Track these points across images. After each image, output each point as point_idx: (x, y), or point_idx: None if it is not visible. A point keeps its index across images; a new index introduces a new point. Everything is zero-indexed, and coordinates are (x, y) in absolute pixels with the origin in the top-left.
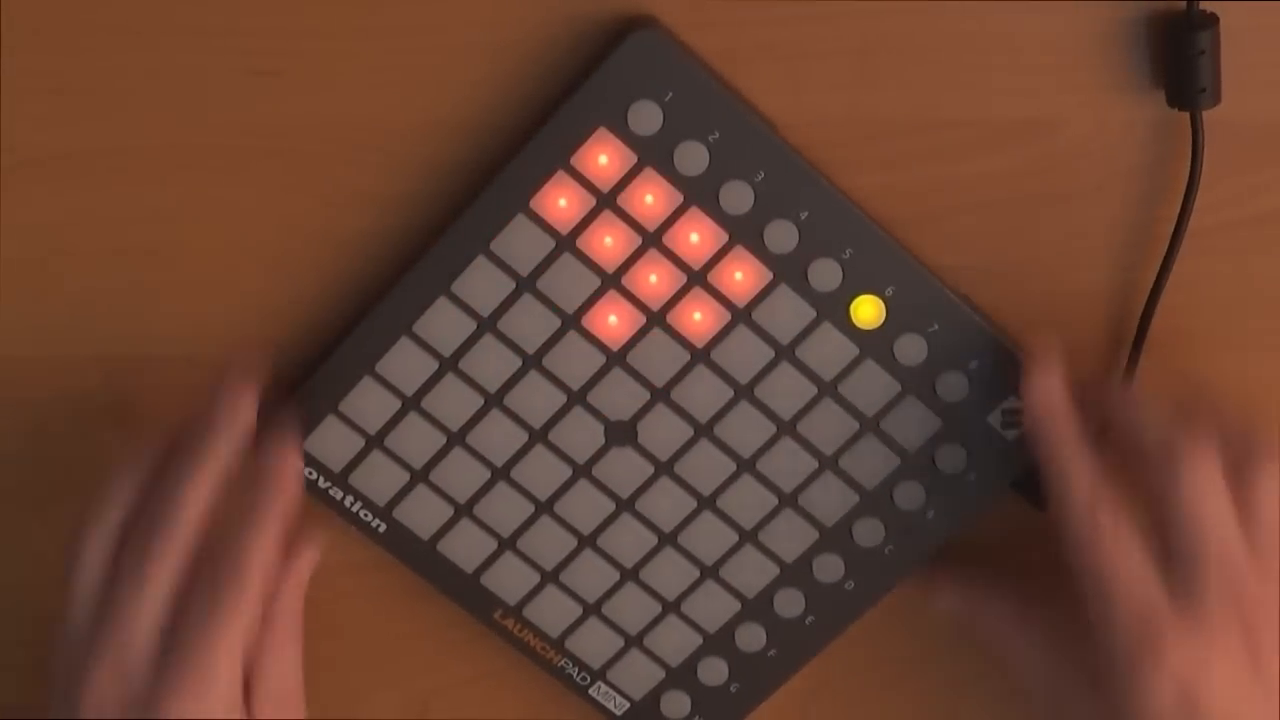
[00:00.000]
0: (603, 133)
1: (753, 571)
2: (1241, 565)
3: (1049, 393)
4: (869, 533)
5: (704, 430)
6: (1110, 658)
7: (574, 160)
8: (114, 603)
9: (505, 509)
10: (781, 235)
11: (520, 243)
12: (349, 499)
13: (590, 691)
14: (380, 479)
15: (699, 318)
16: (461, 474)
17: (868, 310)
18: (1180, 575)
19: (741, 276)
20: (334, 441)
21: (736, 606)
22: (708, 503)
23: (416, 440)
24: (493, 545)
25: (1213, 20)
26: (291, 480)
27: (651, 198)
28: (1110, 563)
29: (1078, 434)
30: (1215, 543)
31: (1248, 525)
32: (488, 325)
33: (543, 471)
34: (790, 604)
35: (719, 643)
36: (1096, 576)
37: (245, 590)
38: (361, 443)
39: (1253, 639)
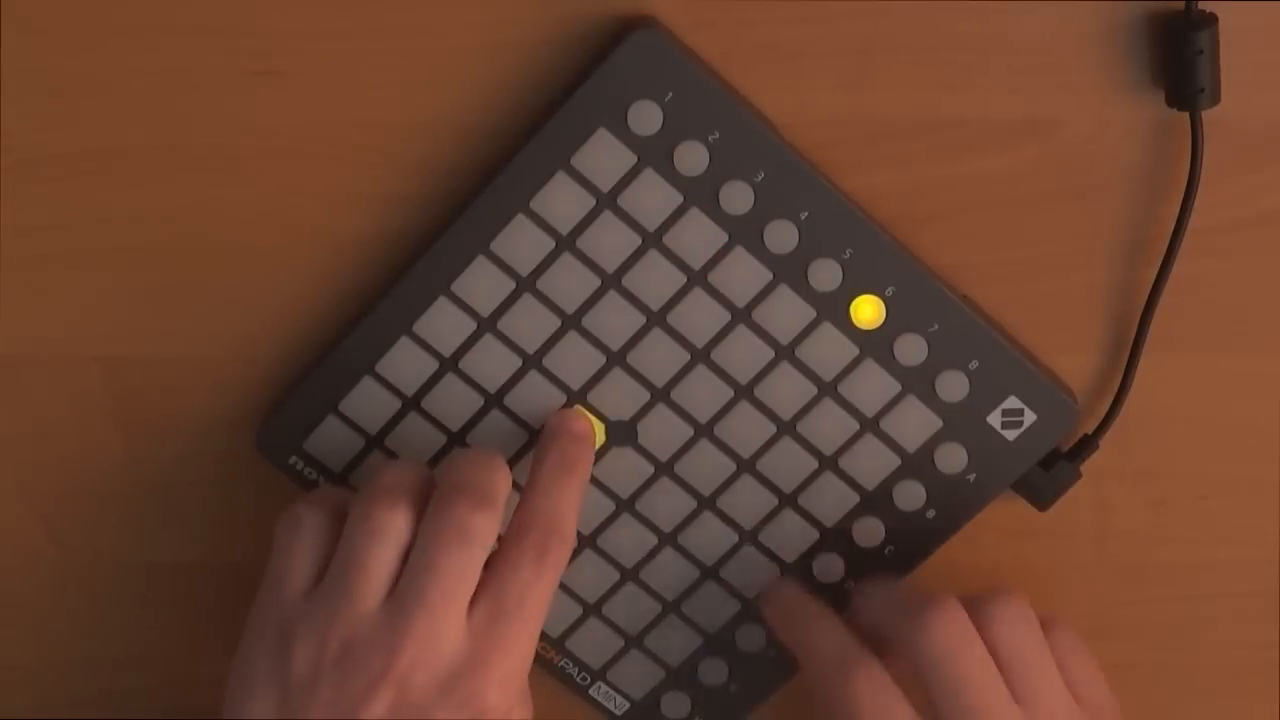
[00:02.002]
0: (603, 133)
1: (753, 571)
2: (1005, 703)
3: (783, 589)
4: (869, 532)
5: (704, 430)
6: None
7: (574, 160)
8: (351, 553)
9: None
10: (781, 235)
11: (520, 243)
12: None
13: (590, 691)
14: None
15: (699, 318)
16: None
17: (868, 310)
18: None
19: (741, 276)
20: (334, 441)
21: (737, 606)
22: (708, 503)
23: (416, 440)
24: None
25: (1211, 20)
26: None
27: (651, 198)
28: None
29: (819, 611)
30: (973, 687)
31: (1001, 664)
32: (488, 325)
33: None
34: None
35: (719, 643)
36: None
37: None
38: (361, 443)
39: None
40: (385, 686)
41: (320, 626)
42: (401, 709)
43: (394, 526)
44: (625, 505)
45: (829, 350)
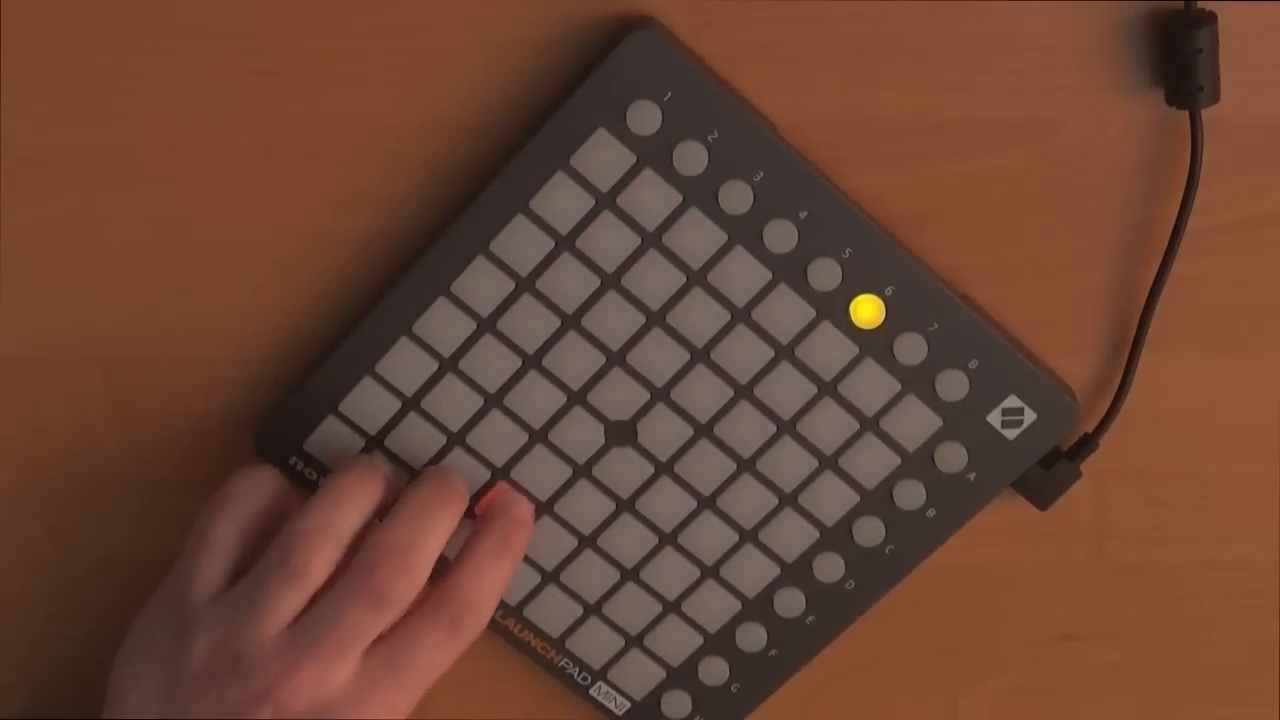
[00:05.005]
0: (602, 133)
1: (753, 571)
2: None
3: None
4: (869, 533)
5: (704, 430)
6: None
7: (573, 160)
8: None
9: None
10: (781, 235)
11: (520, 243)
12: None
13: (591, 691)
14: None
15: (699, 318)
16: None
17: (867, 310)
18: None
19: (741, 276)
20: (334, 442)
21: (737, 606)
22: (708, 503)
23: (416, 441)
24: None
25: (1210, 19)
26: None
27: (651, 198)
28: None
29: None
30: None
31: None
32: (488, 325)
33: (543, 471)
34: (790, 604)
35: (720, 643)
36: None
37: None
38: (362, 443)
39: None
40: (265, 704)
41: (219, 632)
42: None
43: (310, 573)
44: (625, 505)
45: (829, 350)
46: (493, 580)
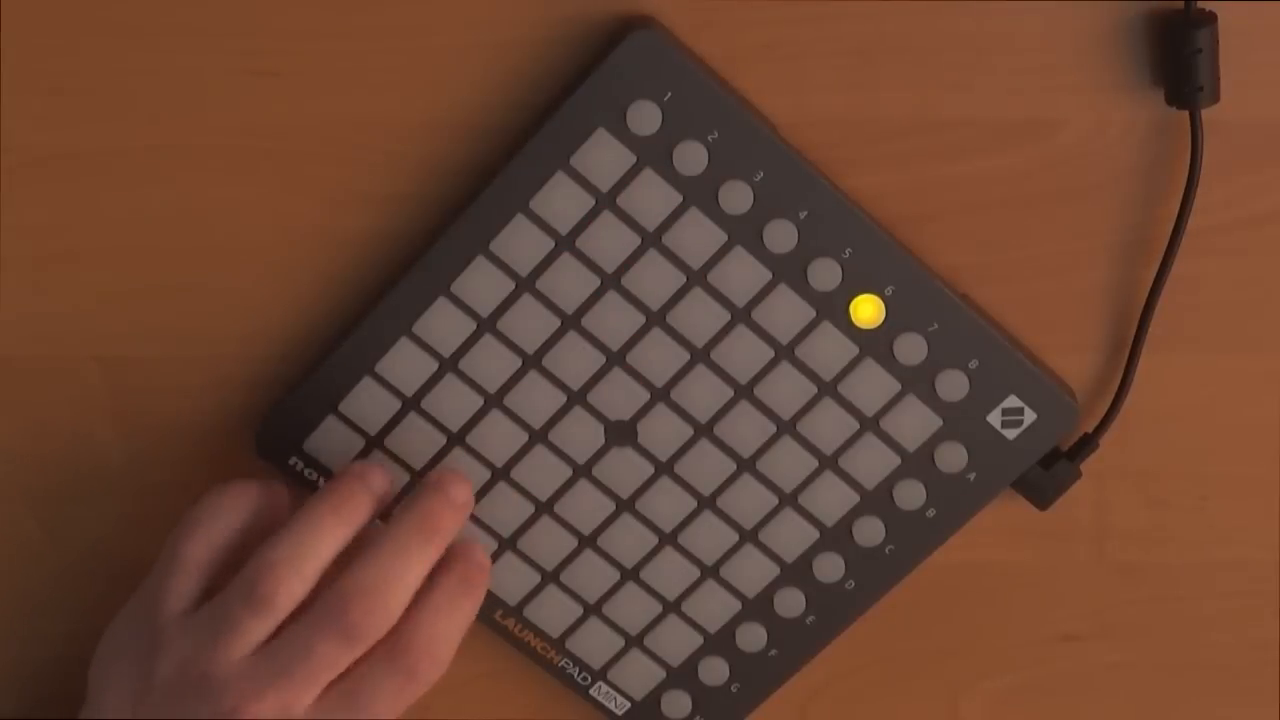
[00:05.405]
0: (602, 133)
1: (753, 571)
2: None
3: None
4: (869, 533)
5: (704, 430)
6: None
7: (573, 160)
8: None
9: (506, 509)
10: (781, 235)
11: (520, 243)
12: None
13: (591, 691)
14: None
15: (699, 318)
16: None
17: (867, 310)
18: None
19: (741, 276)
20: (334, 442)
21: (737, 606)
22: (708, 503)
23: (416, 441)
24: (493, 545)
25: (1210, 18)
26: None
27: (651, 198)
28: None
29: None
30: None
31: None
32: (488, 325)
33: (543, 471)
34: (790, 604)
35: (720, 643)
36: None
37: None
38: (361, 443)
39: None
40: None
41: (187, 650)
42: None
43: (276, 604)
44: (625, 505)
45: (829, 350)
46: (451, 625)
